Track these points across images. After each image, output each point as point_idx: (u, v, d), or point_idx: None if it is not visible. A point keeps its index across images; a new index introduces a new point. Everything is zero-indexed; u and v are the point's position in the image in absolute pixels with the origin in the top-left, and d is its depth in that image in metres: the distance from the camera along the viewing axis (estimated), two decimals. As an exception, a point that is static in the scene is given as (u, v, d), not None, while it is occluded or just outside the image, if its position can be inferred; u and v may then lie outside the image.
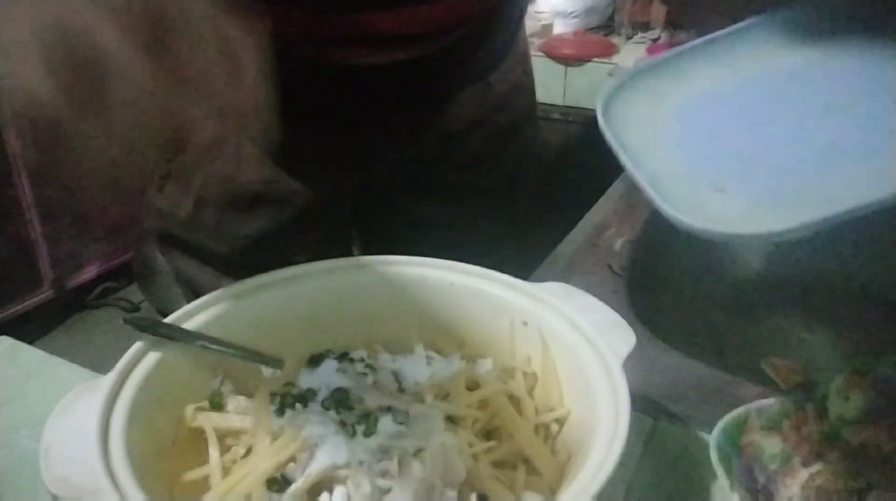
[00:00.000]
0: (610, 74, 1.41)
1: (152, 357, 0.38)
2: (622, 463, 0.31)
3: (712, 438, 0.37)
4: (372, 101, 0.64)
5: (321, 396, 0.39)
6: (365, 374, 0.41)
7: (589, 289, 0.43)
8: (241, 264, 0.50)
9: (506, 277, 0.45)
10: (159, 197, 0.68)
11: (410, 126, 0.68)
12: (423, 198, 0.76)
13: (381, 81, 0.62)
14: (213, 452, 0.38)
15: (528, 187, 0.84)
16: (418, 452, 0.36)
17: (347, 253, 0.79)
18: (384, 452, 0.35)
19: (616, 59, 1.47)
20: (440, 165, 0.74)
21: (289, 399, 0.39)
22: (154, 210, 0.70)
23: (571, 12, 1.64)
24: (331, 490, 0.35)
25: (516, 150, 0.80)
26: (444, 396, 0.41)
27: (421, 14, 0.60)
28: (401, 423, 0.37)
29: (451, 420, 0.39)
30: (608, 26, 1.68)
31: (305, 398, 0.39)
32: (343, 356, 0.43)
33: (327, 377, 0.40)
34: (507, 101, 0.76)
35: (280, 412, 0.38)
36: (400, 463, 0.35)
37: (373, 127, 0.66)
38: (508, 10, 0.71)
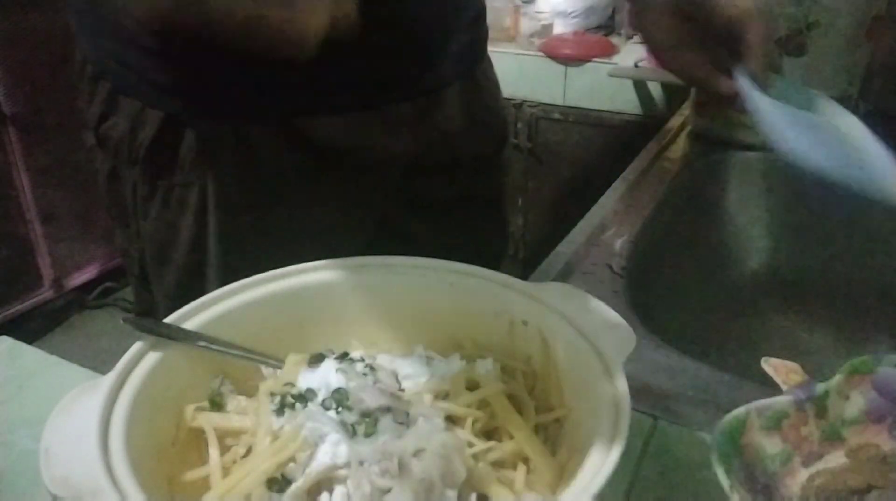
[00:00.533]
0: (610, 75, 1.41)
1: (152, 357, 0.38)
2: (622, 463, 0.31)
3: (712, 438, 0.37)
4: (375, 63, 0.62)
5: (321, 396, 0.39)
6: (365, 374, 0.41)
7: (589, 289, 0.43)
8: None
9: (506, 277, 0.45)
10: (144, 225, 0.64)
11: (410, 121, 0.67)
12: (417, 214, 0.75)
13: (383, 27, 0.60)
14: (213, 452, 0.38)
15: (514, 199, 0.85)
16: (418, 452, 0.36)
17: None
18: (384, 452, 0.35)
19: (616, 59, 1.47)
20: (436, 176, 0.74)
21: (289, 399, 0.39)
22: (140, 241, 0.65)
23: (571, 12, 1.64)
24: (331, 490, 0.35)
25: (504, 156, 0.81)
26: (444, 396, 0.41)
27: None
28: (401, 423, 0.37)
29: (451, 420, 0.39)
30: (608, 26, 1.68)
31: (305, 398, 0.39)
32: (343, 356, 0.43)
33: (327, 377, 0.40)
34: (492, 101, 0.77)
35: (280, 412, 0.38)
36: (400, 463, 0.35)
37: (375, 117, 0.65)
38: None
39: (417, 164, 0.70)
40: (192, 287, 0.64)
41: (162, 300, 0.68)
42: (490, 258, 0.79)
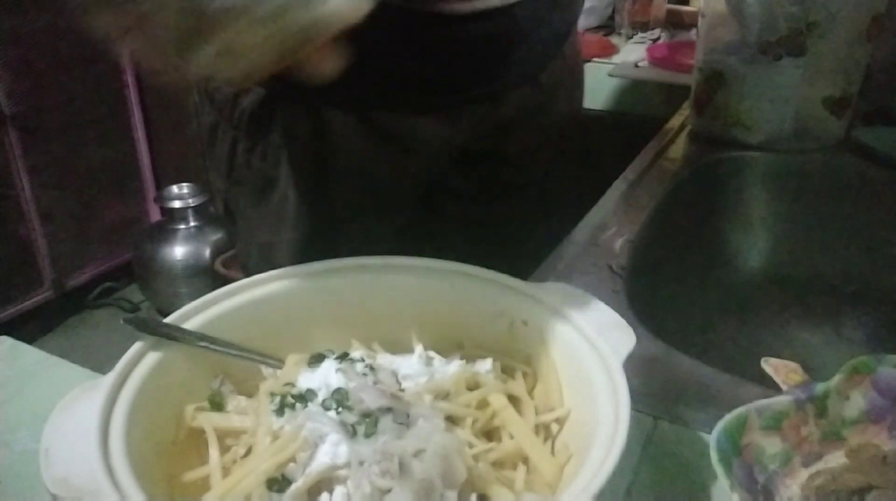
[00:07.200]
0: (610, 75, 1.41)
1: (152, 357, 0.38)
2: (622, 463, 0.31)
3: (712, 438, 0.37)
4: (444, 70, 0.68)
5: (321, 396, 0.39)
6: (365, 374, 0.41)
7: (589, 289, 0.43)
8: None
9: (506, 277, 0.45)
10: (247, 173, 0.73)
11: (469, 116, 0.73)
12: (465, 199, 0.81)
13: (453, 42, 0.66)
14: (213, 452, 0.38)
15: (563, 184, 0.89)
16: (418, 452, 0.36)
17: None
18: (384, 452, 0.35)
19: (616, 59, 1.47)
20: (487, 164, 0.79)
21: (289, 399, 0.39)
22: (237, 187, 0.75)
23: (571, 12, 1.63)
24: (331, 491, 0.35)
25: (558, 147, 0.86)
26: (444, 396, 0.41)
27: None
28: (401, 423, 0.37)
29: (451, 420, 0.39)
30: (608, 26, 1.68)
31: (305, 398, 0.39)
32: (343, 356, 0.43)
33: (327, 377, 0.40)
34: (551, 100, 0.80)
35: (280, 412, 0.38)
36: (400, 464, 0.35)
37: (440, 111, 0.70)
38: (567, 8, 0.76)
39: (468, 150, 0.76)
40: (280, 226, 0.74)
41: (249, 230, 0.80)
42: (522, 248, 0.84)
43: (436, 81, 0.69)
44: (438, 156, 0.75)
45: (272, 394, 0.40)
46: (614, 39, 1.60)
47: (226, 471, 0.37)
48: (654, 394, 0.49)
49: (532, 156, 0.81)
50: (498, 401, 0.40)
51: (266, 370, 0.43)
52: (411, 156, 0.73)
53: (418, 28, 0.64)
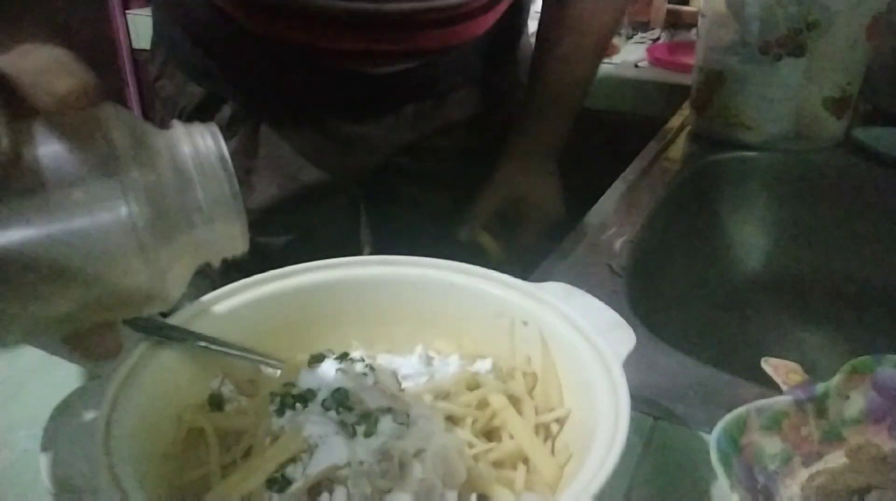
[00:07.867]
0: (610, 75, 1.41)
1: (152, 358, 0.38)
2: (622, 463, 0.31)
3: (712, 438, 0.37)
4: (380, 98, 0.73)
5: (321, 396, 0.39)
6: (365, 374, 0.41)
7: (589, 289, 0.43)
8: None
9: (506, 277, 0.45)
10: None
11: (412, 118, 0.76)
12: (425, 186, 0.83)
13: (390, 83, 0.71)
14: (213, 452, 0.38)
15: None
16: (418, 453, 0.36)
17: (355, 238, 0.88)
18: (384, 453, 0.35)
19: (616, 59, 1.47)
20: (439, 155, 0.81)
21: (289, 399, 0.39)
22: None
23: (571, 12, 1.63)
24: (331, 491, 0.35)
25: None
26: (444, 396, 0.41)
27: (446, 34, 0.68)
28: (401, 423, 0.37)
29: (451, 420, 0.39)
30: (608, 26, 1.68)
31: (305, 398, 0.39)
32: (343, 356, 0.43)
33: (327, 377, 0.40)
34: (504, 100, 0.79)
35: (280, 412, 0.38)
36: (400, 464, 0.35)
37: (379, 118, 0.74)
38: (512, 21, 0.78)
39: (419, 146, 0.79)
40: None
41: None
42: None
43: (371, 98, 0.73)
44: (380, 152, 0.78)
45: (272, 394, 0.40)
46: (614, 39, 1.60)
47: (226, 471, 0.37)
48: (654, 394, 0.49)
49: (485, 152, 0.82)
50: (498, 401, 0.40)
51: (266, 370, 0.43)
52: (351, 153, 0.76)
53: (348, 76, 0.69)
